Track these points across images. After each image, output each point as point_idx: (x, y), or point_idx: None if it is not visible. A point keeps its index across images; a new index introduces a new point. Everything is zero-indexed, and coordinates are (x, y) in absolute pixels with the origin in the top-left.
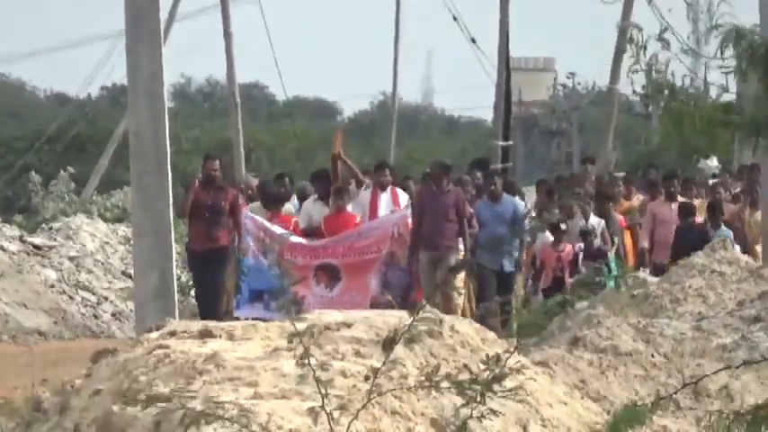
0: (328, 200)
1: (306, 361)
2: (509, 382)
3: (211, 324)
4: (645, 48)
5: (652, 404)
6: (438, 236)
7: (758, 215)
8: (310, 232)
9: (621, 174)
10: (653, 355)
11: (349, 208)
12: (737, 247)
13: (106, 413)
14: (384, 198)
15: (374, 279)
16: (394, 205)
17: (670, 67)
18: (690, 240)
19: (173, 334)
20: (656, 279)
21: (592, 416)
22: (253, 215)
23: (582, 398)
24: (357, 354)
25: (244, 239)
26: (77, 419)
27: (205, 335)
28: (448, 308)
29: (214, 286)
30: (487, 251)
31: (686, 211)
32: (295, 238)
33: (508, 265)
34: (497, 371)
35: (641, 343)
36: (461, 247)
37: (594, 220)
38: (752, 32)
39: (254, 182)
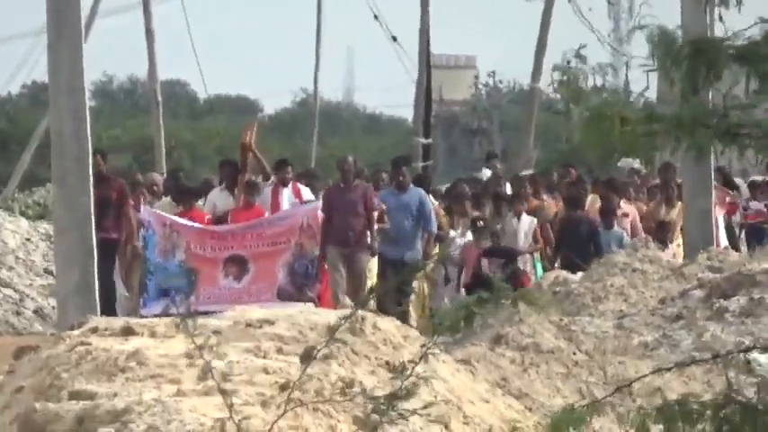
0: (234, 190)
1: (208, 375)
2: (421, 395)
3: (133, 321)
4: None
5: (588, 408)
6: (348, 231)
7: (674, 212)
8: (214, 222)
9: (529, 172)
10: (575, 353)
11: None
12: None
13: (28, 410)
14: (285, 193)
15: (281, 270)
16: (296, 200)
17: (588, 81)
18: (578, 233)
19: (94, 331)
20: (577, 277)
21: (513, 413)
22: (156, 211)
23: (504, 395)
24: (279, 351)
25: (144, 235)
26: None
27: (127, 332)
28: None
29: (105, 281)
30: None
31: (573, 204)
32: (203, 226)
33: (409, 256)
34: (406, 384)
35: (563, 341)
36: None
37: (527, 219)
38: (674, 33)
39: (159, 179)
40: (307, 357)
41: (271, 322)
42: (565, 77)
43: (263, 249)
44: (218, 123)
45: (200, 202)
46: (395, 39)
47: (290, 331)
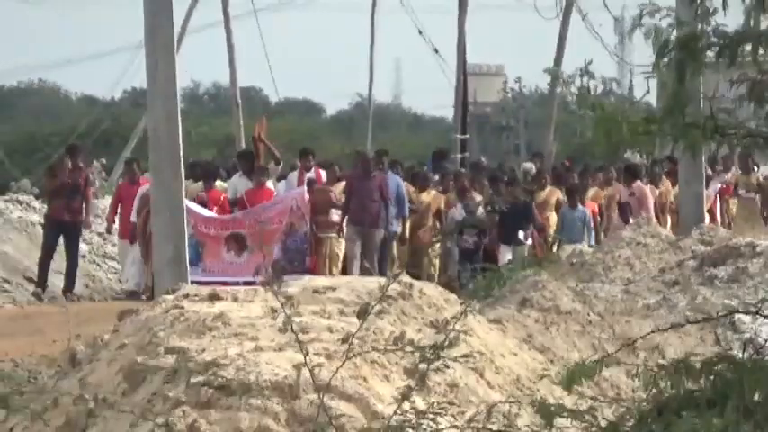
0: (251, 175)
1: (288, 328)
2: (461, 348)
3: (219, 288)
4: (571, 82)
5: (599, 361)
6: (364, 213)
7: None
8: (234, 202)
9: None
10: (589, 314)
11: (270, 183)
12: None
13: (131, 363)
14: (308, 177)
15: (276, 246)
16: (317, 181)
17: (597, 91)
18: (515, 217)
19: (186, 296)
20: (590, 249)
21: (537, 365)
22: None
23: (529, 350)
24: (341, 313)
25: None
26: (106, 369)
27: (213, 297)
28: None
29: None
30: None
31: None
32: (209, 213)
33: (389, 230)
34: (450, 336)
35: (579, 303)
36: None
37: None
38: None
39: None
40: (363, 313)
41: (333, 288)
42: (579, 90)
43: (260, 229)
44: (288, 122)
45: (221, 183)
46: (436, 51)
47: (350, 296)
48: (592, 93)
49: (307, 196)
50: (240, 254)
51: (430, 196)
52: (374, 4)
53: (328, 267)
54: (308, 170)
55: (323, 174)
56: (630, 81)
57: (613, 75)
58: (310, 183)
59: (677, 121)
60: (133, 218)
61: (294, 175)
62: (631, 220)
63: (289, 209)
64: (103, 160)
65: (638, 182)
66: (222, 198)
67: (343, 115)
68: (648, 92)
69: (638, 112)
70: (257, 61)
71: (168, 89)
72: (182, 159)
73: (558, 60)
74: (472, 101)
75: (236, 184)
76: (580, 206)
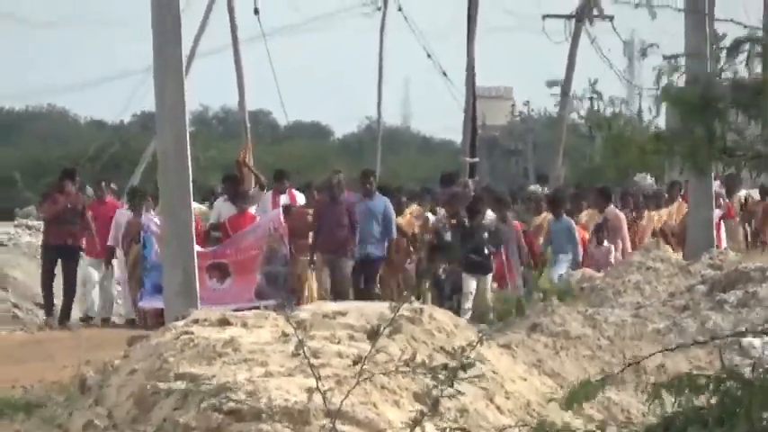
0: (235, 200)
1: (300, 352)
2: (473, 370)
3: (228, 314)
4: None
5: (601, 380)
6: (333, 240)
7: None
8: (216, 227)
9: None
10: (599, 339)
11: (253, 208)
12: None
13: (141, 389)
14: (283, 199)
15: (258, 272)
16: (292, 204)
17: (607, 110)
18: (480, 236)
19: (196, 322)
20: (600, 274)
21: (547, 390)
22: (153, 218)
23: (539, 374)
24: (351, 338)
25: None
26: (116, 395)
27: (223, 323)
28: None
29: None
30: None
31: (473, 213)
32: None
33: (375, 252)
34: (464, 360)
35: (589, 328)
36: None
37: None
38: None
39: None
40: (373, 335)
41: (343, 314)
42: (590, 108)
43: (241, 257)
44: (297, 147)
45: (201, 206)
46: (445, 74)
47: (360, 321)
48: (600, 112)
49: (283, 218)
50: (223, 281)
51: (405, 220)
52: (383, 27)
53: (309, 290)
54: (283, 192)
55: (297, 195)
56: (639, 104)
57: (620, 106)
58: (287, 208)
59: (686, 140)
60: (110, 242)
61: (268, 198)
62: (605, 243)
63: (267, 233)
64: (113, 185)
65: (611, 206)
66: (199, 227)
67: (352, 138)
68: (658, 115)
69: (647, 133)
70: (266, 85)
71: (177, 113)
72: (191, 184)
73: (566, 83)
74: (481, 123)
75: (221, 209)
76: (565, 217)
